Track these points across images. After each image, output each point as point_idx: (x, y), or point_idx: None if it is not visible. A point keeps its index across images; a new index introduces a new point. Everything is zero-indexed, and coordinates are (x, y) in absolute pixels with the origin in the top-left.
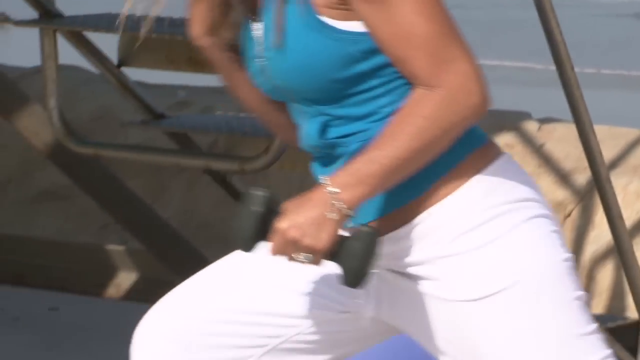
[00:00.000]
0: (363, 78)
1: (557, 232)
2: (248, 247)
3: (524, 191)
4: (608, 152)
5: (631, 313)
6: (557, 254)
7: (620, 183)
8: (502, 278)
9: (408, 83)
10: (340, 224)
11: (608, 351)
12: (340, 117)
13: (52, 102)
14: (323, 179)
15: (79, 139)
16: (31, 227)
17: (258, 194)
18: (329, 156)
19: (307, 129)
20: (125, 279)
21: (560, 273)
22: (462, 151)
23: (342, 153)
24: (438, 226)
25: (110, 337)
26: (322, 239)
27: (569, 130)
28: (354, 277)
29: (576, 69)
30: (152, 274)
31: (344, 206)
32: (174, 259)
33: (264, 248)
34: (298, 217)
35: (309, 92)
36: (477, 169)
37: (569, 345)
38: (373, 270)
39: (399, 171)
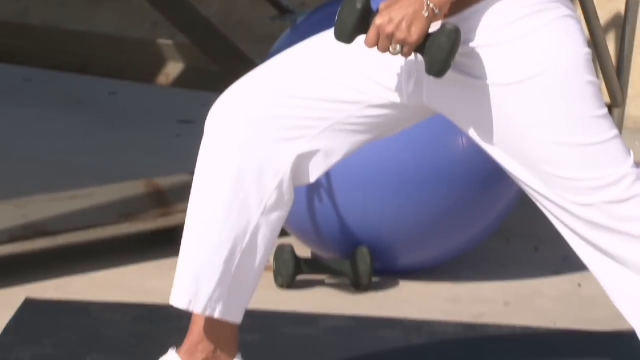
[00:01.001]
0: None
1: (579, 29)
2: (349, 39)
3: None
4: None
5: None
6: (580, 48)
7: None
8: (535, 65)
9: None
10: (429, 21)
11: (616, 131)
12: None
13: None
14: None
15: None
16: (92, 23)
17: None
18: None
19: None
20: (173, 69)
21: (582, 63)
22: None
23: None
24: (484, 18)
25: (160, 118)
26: (414, 33)
27: None
28: (439, 67)
29: None
30: (195, 65)
31: (434, 6)
32: (214, 51)
33: (316, 44)
34: (394, 14)
35: None
36: None
37: (588, 124)
38: (453, 62)
39: None
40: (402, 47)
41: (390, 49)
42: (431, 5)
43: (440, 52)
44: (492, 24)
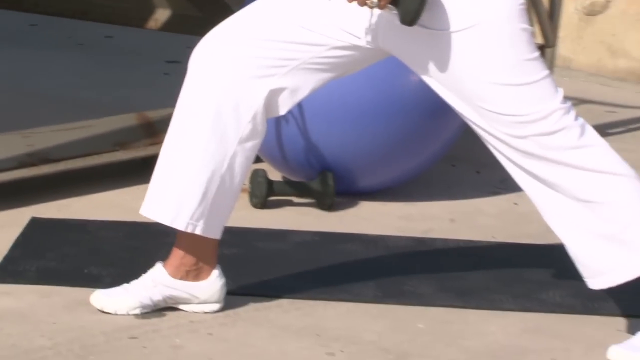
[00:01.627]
0: None
1: None
2: None
3: None
4: None
5: (537, 39)
6: (515, 1)
7: None
8: (477, 15)
9: None
10: None
11: (547, 71)
12: None
13: None
14: None
15: None
16: None
17: None
18: None
19: None
20: (161, 15)
21: (517, 13)
22: None
23: None
24: None
25: (150, 58)
26: None
27: None
28: (411, 17)
29: None
30: (181, 11)
31: None
32: (197, 1)
33: None
34: None
35: None
36: None
37: (522, 66)
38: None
39: None
40: (379, 1)
41: (369, 2)
42: None
43: (412, 3)
44: None
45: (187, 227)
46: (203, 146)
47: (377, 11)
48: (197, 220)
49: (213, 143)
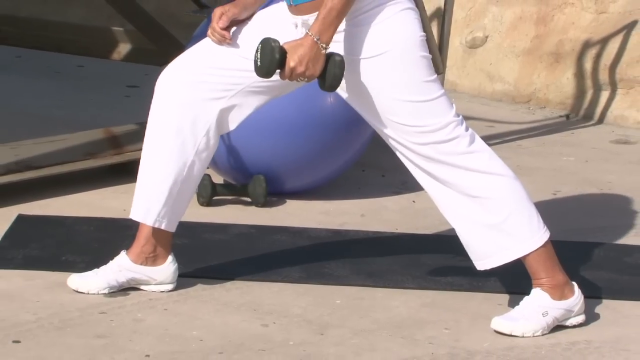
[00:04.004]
0: None
1: (417, 18)
2: (269, 75)
3: None
4: None
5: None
6: (417, 32)
7: None
8: (386, 44)
9: None
10: (323, 56)
11: (443, 91)
12: None
13: None
14: (308, 31)
15: None
16: (65, 15)
17: (276, 43)
18: None
19: None
20: (123, 48)
21: (418, 43)
22: None
23: None
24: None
25: (114, 83)
26: (317, 69)
27: None
28: (333, 88)
29: None
30: (139, 45)
31: (324, 43)
32: (153, 36)
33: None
34: (301, 56)
35: None
36: None
37: (422, 86)
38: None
39: (344, 13)
40: (308, 78)
41: (300, 79)
42: (323, 44)
43: (335, 78)
44: (354, 12)
45: (154, 223)
46: (167, 156)
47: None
48: (163, 217)
49: (175, 153)
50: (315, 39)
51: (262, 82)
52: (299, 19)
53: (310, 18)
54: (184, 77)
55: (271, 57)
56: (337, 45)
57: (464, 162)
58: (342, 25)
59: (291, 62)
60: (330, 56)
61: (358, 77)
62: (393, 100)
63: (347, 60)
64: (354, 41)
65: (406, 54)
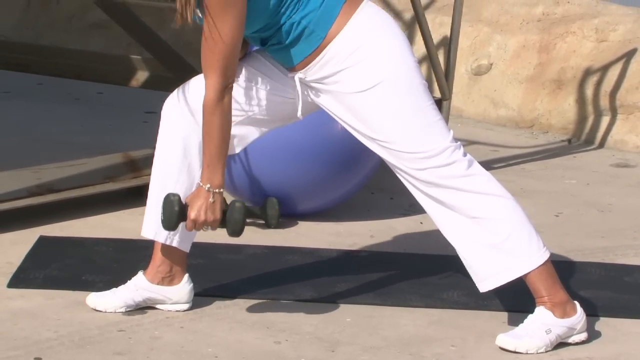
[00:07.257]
0: None
1: (408, 46)
2: (173, 228)
3: (385, 21)
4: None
5: (436, 94)
6: (410, 60)
7: (430, 18)
8: (378, 76)
9: None
10: (219, 200)
11: (440, 116)
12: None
13: None
14: (200, 182)
15: None
16: (86, 44)
17: (175, 197)
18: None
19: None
20: (141, 76)
21: (413, 71)
22: (337, 6)
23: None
24: (335, 53)
25: (133, 109)
26: (216, 215)
27: None
28: (237, 233)
29: None
30: (157, 73)
31: (216, 189)
32: (170, 64)
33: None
34: (197, 207)
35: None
36: (350, 15)
37: (422, 113)
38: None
39: (224, 154)
40: (212, 227)
41: (203, 228)
42: (214, 190)
43: (237, 223)
44: (344, 53)
45: (165, 240)
46: (175, 176)
47: (309, 83)
48: (174, 235)
49: (183, 174)
50: (206, 188)
51: (267, 111)
52: (294, 74)
53: (302, 73)
54: (188, 103)
55: (171, 210)
56: (336, 86)
57: (463, 184)
58: (334, 68)
59: (191, 213)
60: (231, 203)
61: (356, 108)
62: (389, 127)
63: (345, 95)
64: (348, 78)
65: (400, 81)
